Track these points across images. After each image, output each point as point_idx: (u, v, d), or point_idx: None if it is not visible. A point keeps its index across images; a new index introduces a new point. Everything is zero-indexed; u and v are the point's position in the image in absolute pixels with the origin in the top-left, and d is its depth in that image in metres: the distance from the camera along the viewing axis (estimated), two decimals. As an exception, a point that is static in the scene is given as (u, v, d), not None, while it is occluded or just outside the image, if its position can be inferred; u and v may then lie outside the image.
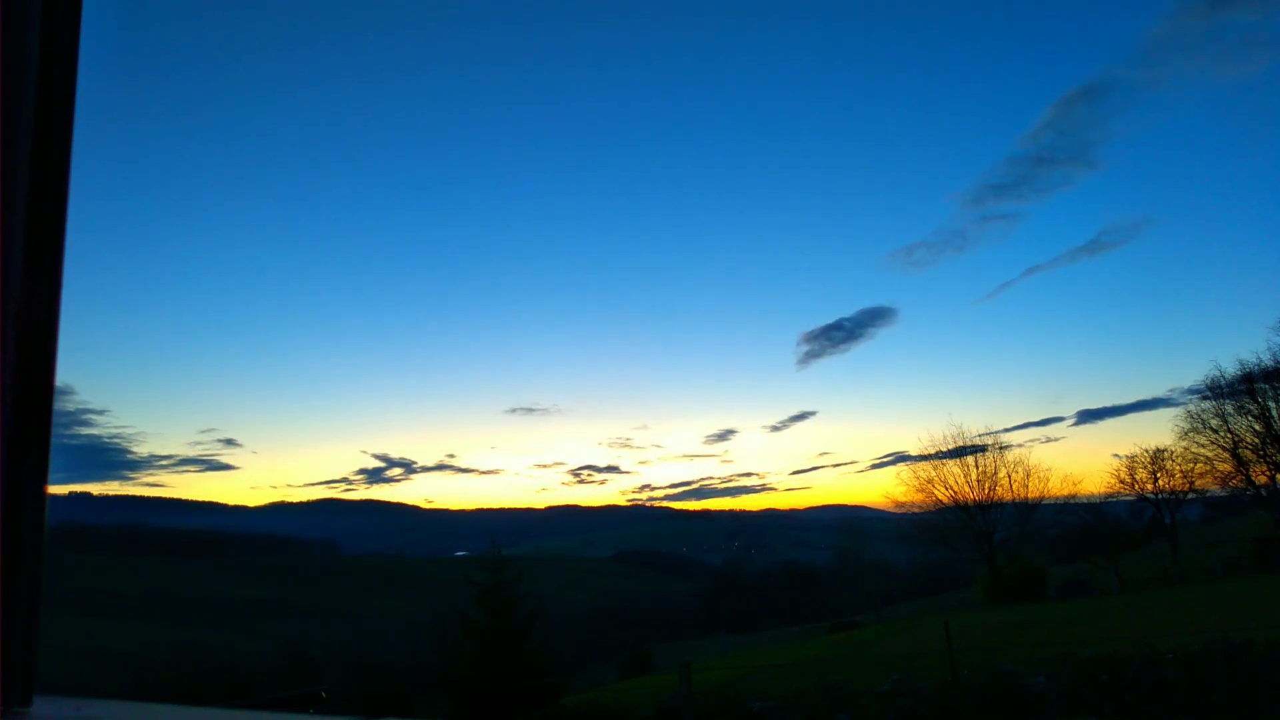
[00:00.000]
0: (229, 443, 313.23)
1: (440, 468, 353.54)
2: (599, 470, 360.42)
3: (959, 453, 41.71)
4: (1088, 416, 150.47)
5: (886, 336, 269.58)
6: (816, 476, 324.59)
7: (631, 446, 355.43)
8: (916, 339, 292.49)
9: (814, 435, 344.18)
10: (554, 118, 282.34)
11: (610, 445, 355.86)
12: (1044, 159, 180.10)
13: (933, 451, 43.14)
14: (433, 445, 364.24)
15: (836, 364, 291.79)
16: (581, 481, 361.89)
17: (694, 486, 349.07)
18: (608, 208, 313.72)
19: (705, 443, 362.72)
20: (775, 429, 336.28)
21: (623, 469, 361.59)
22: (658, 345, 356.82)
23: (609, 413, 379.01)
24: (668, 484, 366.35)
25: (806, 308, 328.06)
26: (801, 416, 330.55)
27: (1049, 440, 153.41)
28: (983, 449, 41.73)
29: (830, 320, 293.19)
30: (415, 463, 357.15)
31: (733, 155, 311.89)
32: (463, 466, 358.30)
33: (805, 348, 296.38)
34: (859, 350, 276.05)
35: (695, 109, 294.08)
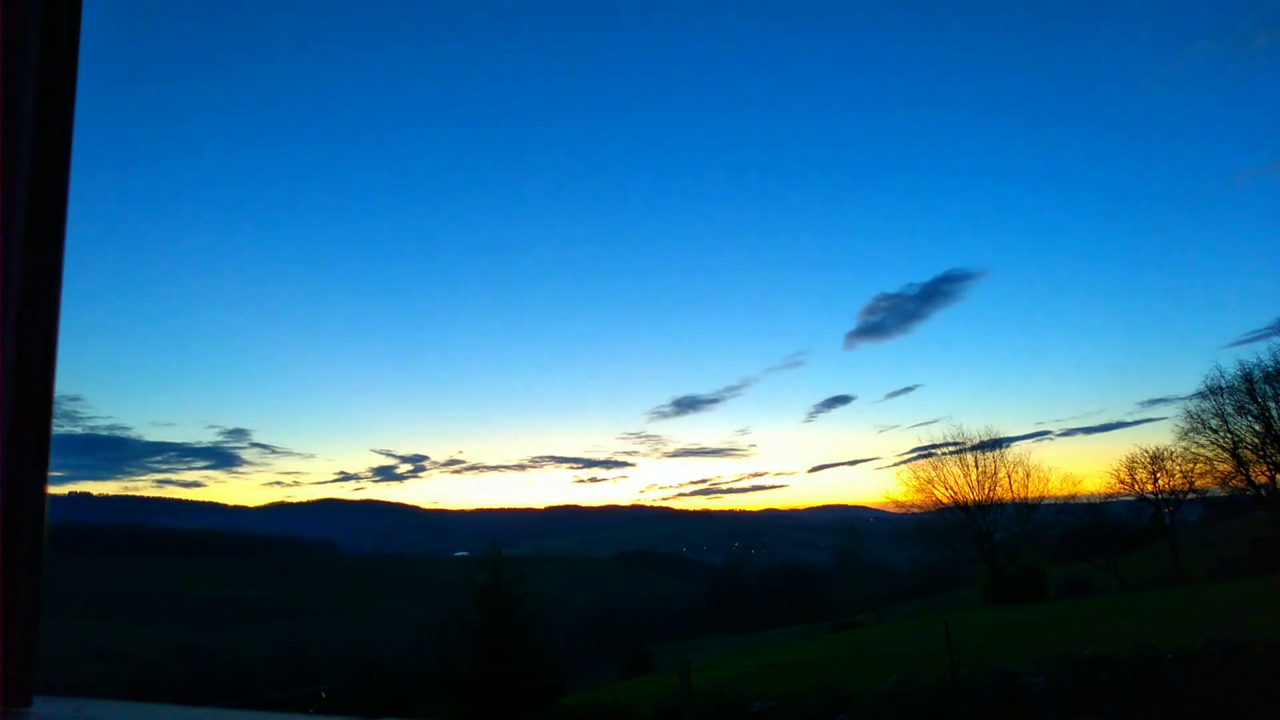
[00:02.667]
0: (236, 434, 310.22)
1: (451, 463, 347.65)
2: (610, 467, 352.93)
3: (990, 445, 41.85)
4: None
5: (962, 304, 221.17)
6: (836, 474, 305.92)
7: (648, 440, 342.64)
8: (998, 307, 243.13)
9: (845, 424, 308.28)
10: (572, 103, 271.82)
11: (623, 439, 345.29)
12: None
13: (953, 449, 42.93)
14: (443, 443, 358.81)
15: (890, 341, 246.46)
16: (593, 480, 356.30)
17: (707, 484, 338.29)
18: (621, 185, 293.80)
19: (730, 435, 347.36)
20: (808, 417, 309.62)
21: (636, 466, 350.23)
22: (682, 332, 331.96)
23: (624, 405, 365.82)
24: (681, 482, 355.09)
25: (867, 278, 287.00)
26: (832, 403, 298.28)
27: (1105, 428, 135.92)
28: (1001, 443, 41.90)
29: (895, 289, 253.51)
30: (427, 458, 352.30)
31: (766, 113, 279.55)
32: (472, 464, 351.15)
33: (857, 323, 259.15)
34: (933, 318, 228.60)
35: (722, 76, 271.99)
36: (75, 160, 1.12)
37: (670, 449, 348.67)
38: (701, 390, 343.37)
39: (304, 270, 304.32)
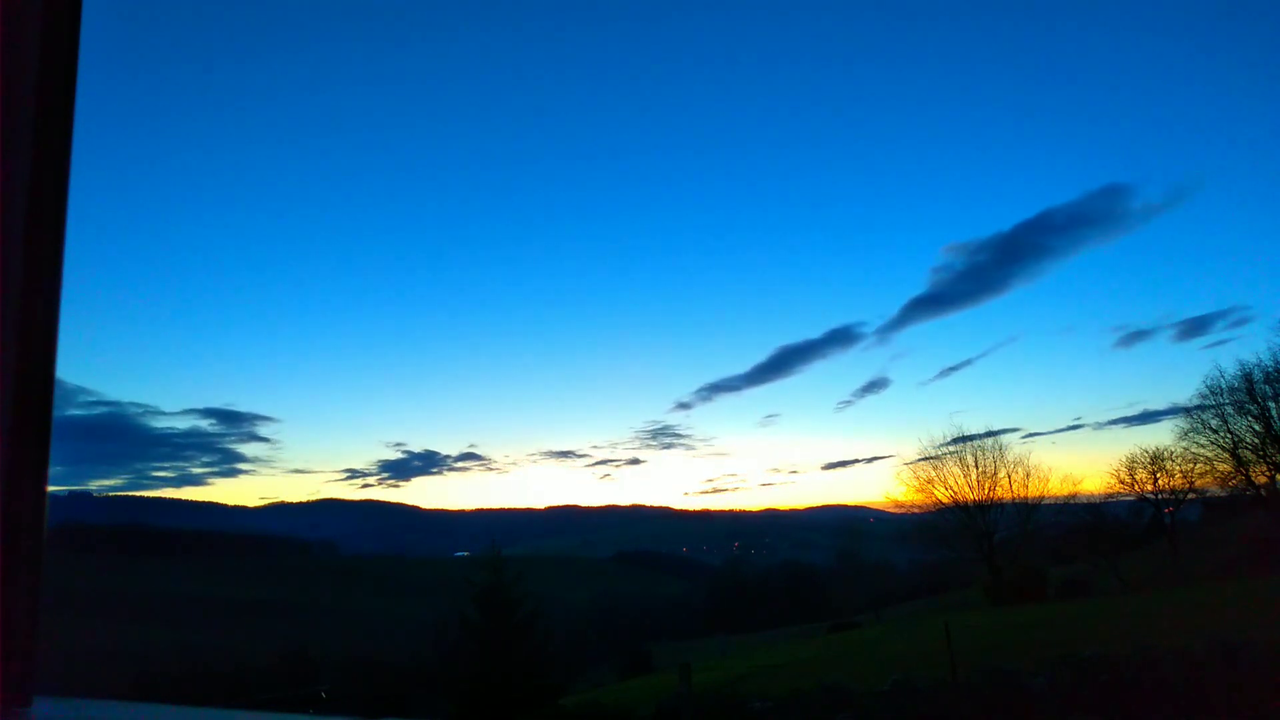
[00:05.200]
0: (239, 429, 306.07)
1: (464, 457, 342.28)
2: (622, 465, 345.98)
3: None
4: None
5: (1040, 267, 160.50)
6: (841, 473, 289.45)
7: (665, 435, 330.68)
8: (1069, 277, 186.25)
9: (877, 413, 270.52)
10: (580, 80, 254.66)
11: (639, 435, 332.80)
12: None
13: (931, 453, 42.97)
14: (455, 439, 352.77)
15: (957, 313, 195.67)
16: (606, 477, 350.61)
17: (714, 485, 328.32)
18: (635, 151, 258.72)
19: (751, 428, 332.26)
20: (839, 406, 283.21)
21: (648, 462, 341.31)
22: (711, 314, 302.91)
23: (642, 398, 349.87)
24: (696, 479, 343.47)
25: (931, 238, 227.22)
26: (865, 390, 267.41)
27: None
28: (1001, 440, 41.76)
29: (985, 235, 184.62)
30: (438, 453, 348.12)
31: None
32: (485, 459, 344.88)
33: (913, 296, 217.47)
34: (1006, 285, 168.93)
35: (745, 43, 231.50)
36: (78, 152, 1.12)
37: (688, 444, 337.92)
38: (731, 372, 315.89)
39: (310, 265, 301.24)
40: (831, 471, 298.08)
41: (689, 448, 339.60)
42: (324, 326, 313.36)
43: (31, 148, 1.08)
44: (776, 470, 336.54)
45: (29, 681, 1.09)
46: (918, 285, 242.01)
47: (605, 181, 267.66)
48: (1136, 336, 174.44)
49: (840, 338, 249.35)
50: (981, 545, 40.08)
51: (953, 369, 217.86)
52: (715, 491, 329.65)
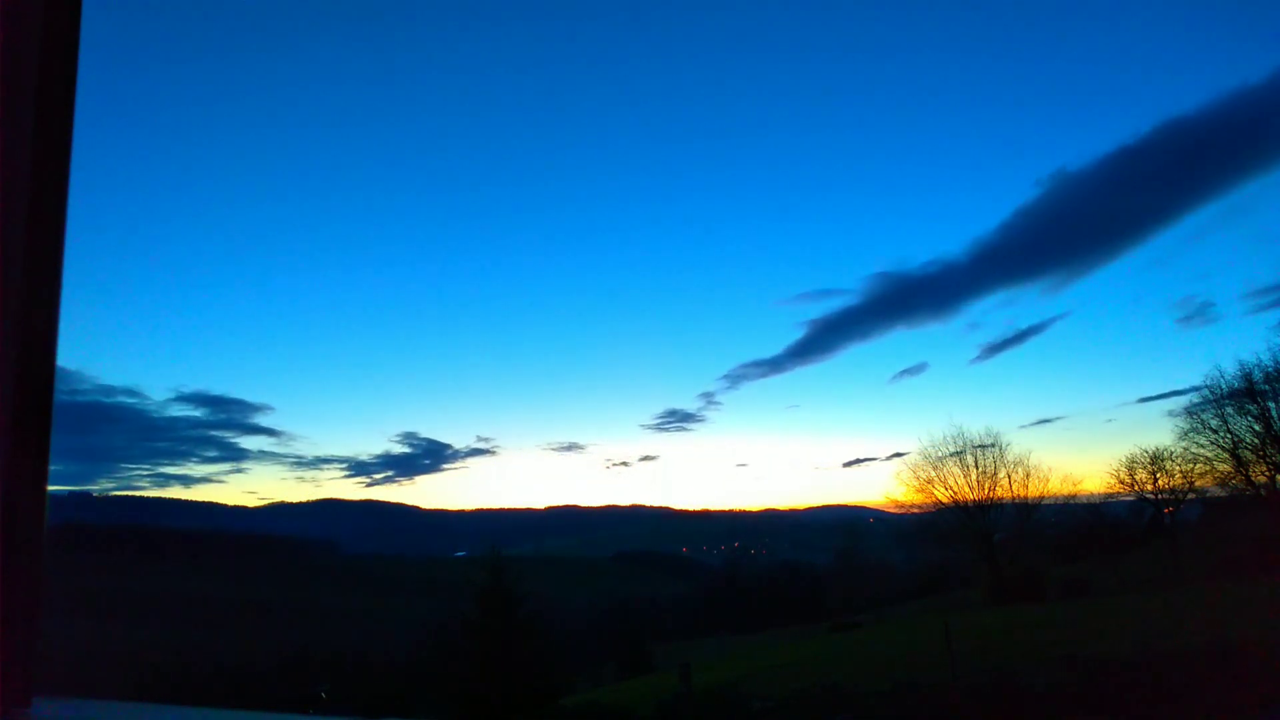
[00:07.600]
0: (241, 424, 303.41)
1: (472, 452, 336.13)
2: (632, 464, 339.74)
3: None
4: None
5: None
6: (843, 472, 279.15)
7: (680, 432, 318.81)
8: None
9: (908, 401, 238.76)
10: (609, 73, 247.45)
11: (655, 429, 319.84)
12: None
13: (937, 454, 42.90)
14: (461, 433, 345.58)
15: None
16: (619, 475, 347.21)
17: (735, 480, 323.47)
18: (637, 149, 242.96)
19: (777, 419, 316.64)
20: (876, 391, 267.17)
21: (666, 459, 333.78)
22: (734, 300, 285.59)
23: (664, 384, 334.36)
24: (714, 477, 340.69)
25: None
26: (903, 374, 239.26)
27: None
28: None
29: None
30: (446, 445, 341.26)
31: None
32: (493, 453, 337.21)
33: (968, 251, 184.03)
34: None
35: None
36: (78, 144, 1.12)
37: (705, 440, 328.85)
38: (759, 356, 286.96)
39: (314, 258, 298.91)
40: (850, 469, 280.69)
41: (707, 443, 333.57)
42: (327, 320, 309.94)
43: (31, 136, 1.08)
44: (794, 467, 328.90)
45: (29, 681, 1.09)
46: (971, 240, 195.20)
47: (614, 159, 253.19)
48: (1202, 310, 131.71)
49: (874, 316, 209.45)
50: (981, 545, 40.09)
51: (996, 348, 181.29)
52: (733, 492, 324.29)
